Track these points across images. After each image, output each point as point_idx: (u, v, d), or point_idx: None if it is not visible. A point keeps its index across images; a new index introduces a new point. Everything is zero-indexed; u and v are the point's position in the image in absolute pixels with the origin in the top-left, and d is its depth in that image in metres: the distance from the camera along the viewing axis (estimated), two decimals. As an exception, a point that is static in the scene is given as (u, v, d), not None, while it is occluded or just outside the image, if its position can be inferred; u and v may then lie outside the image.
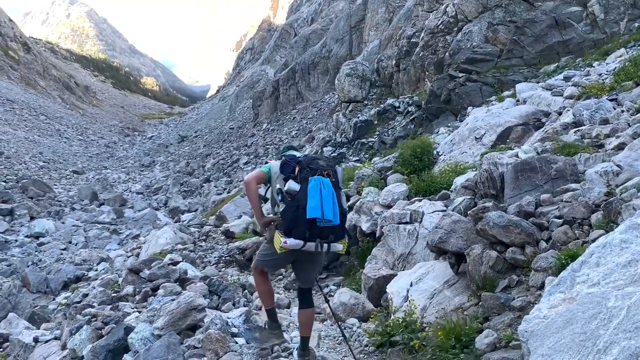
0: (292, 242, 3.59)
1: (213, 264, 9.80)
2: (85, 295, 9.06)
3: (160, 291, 6.60)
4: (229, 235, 12.24)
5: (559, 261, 3.90)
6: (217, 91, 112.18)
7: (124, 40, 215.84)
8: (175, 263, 8.38)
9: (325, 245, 3.65)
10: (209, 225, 14.70)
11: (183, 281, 7.02)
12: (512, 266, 4.54)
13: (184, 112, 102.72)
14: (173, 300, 5.20)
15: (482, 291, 4.41)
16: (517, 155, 7.05)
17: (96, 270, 14.70)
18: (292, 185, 3.66)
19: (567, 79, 12.65)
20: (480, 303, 4.29)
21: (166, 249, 11.70)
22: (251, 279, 8.10)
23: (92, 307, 7.06)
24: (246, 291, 7.16)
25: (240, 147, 46.68)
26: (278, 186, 3.81)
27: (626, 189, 4.67)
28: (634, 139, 6.11)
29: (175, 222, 24.52)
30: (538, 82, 13.75)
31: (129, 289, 7.53)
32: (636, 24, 15.41)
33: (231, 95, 76.54)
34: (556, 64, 15.34)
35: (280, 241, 3.61)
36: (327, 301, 4.57)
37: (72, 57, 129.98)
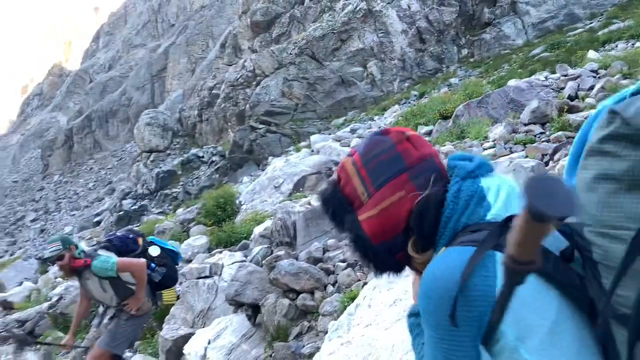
0: None
1: (-17, 344, 8.36)
2: None
3: None
4: (7, 306, 10.65)
5: (342, 304, 4.15)
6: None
7: None
8: None
9: None
10: (-18, 296, 12.63)
11: (-63, 370, 5.84)
12: (303, 312, 4.70)
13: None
14: None
15: (276, 341, 4.48)
16: (309, 203, 7.47)
17: None
18: None
19: (353, 131, 14.01)
20: (273, 354, 4.35)
21: None
22: (31, 356, 7.09)
23: None
24: (22, 372, 6.23)
25: (27, 202, 41.61)
26: None
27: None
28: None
29: (-61, 295, 20.56)
30: (330, 134, 14.96)
31: None
32: (406, 84, 17.85)
33: (15, 145, 68.31)
34: (344, 118, 16.92)
35: None
36: None
37: None
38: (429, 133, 10.16)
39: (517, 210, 0.69)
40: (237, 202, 11.95)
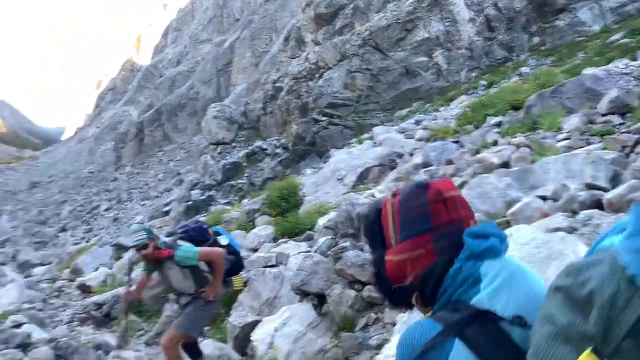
0: None
1: (65, 323, 8.94)
2: None
3: (-3, 361, 5.84)
4: (85, 290, 11.31)
5: (410, 297, 4.09)
6: (75, 133, 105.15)
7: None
8: (19, 325, 7.50)
9: None
10: (63, 279, 13.49)
11: (26, 346, 6.28)
12: (369, 304, 4.69)
13: (36, 156, 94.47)
14: (9, 371, 4.61)
15: (342, 331, 4.49)
16: (373, 195, 7.43)
17: None
18: None
19: (417, 122, 13.79)
20: (340, 344, 4.36)
21: (10, 309, 10.45)
22: (108, 337, 7.49)
23: None
24: (101, 351, 6.58)
25: (101, 192, 43.84)
26: None
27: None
28: (473, 178, 6.75)
29: (25, 277, 22.08)
30: (393, 126, 14.80)
31: (-42, 361, 6.56)
32: (474, 74, 17.35)
33: (91, 137, 72.10)
34: (408, 109, 16.67)
35: None
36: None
37: None
38: (498, 124, 9.84)
39: (503, 301, 0.95)
40: (300, 193, 12.06)
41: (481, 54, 17.72)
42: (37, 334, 7.02)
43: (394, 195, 1.17)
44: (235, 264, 4.80)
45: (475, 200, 5.90)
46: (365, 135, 15.04)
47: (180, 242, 4.39)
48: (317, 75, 19.85)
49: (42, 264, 26.65)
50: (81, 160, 64.26)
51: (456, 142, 10.01)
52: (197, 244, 4.40)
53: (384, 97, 17.66)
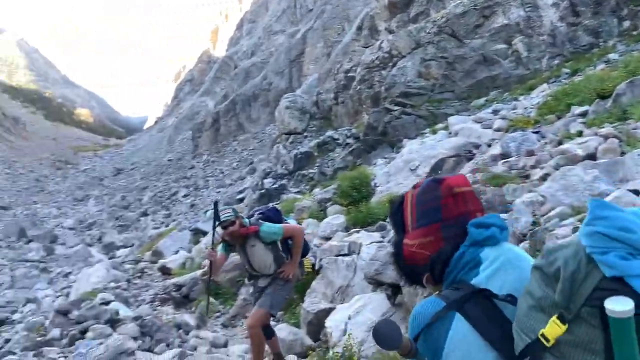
0: None
1: (147, 303, 9.43)
2: (7, 340, 8.51)
3: (89, 334, 6.28)
4: (165, 272, 11.88)
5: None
6: (156, 122, 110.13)
7: (57, 71, 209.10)
8: (107, 303, 8.02)
9: None
10: (145, 261, 14.23)
11: (114, 322, 6.71)
12: (445, 296, 4.61)
13: (121, 144, 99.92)
14: (101, 344, 4.94)
15: (417, 322, 4.45)
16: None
17: (21, 312, 13.84)
18: None
19: (495, 112, 13.31)
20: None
21: (98, 287, 11.17)
22: (187, 317, 7.84)
23: (14, 354, 6.62)
24: (181, 331, 6.90)
25: (179, 179, 45.75)
26: None
27: (550, 219, 4.89)
28: (556, 170, 6.45)
29: (110, 258, 23.50)
30: (469, 115, 14.37)
31: (55, 332, 7.11)
32: (556, 61, 16.49)
33: (170, 127, 75.29)
34: (485, 98, 16.11)
35: None
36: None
37: (0, 88, 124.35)
38: (584, 114, 9.31)
39: (499, 282, 1.13)
40: (372, 183, 12.01)
41: (564, 40, 16.80)
42: (123, 311, 7.47)
43: (414, 187, 1.37)
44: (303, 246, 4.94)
45: (558, 193, 5.64)
46: (440, 125, 14.71)
47: (261, 221, 4.58)
48: (390, 64, 19.61)
49: (124, 246, 28.28)
50: (161, 148, 67.32)
51: (537, 132, 9.58)
52: (274, 223, 4.57)
53: (460, 86, 17.16)
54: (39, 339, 7.34)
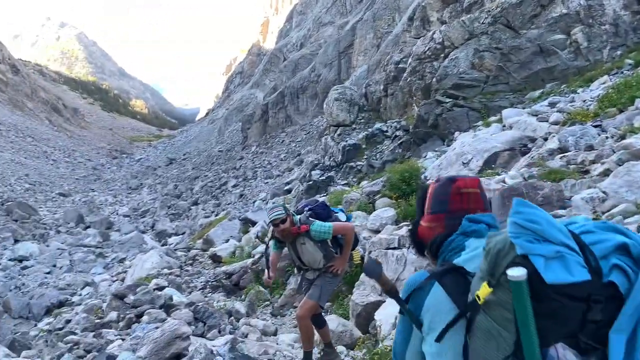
0: None
1: (199, 289, 9.68)
2: (68, 321, 8.88)
3: (145, 318, 6.49)
4: (216, 260, 12.14)
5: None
6: (207, 114, 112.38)
7: (114, 63, 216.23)
8: (161, 288, 8.26)
9: None
10: (196, 249, 14.58)
11: (168, 307, 6.91)
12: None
13: (173, 135, 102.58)
14: (157, 327, 5.10)
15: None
16: (504, 181, 7.09)
17: (80, 295, 14.45)
18: None
19: (552, 105, 12.84)
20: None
21: (152, 273, 11.55)
22: (238, 305, 7.99)
23: (75, 334, 6.92)
24: (232, 318, 7.04)
25: (229, 170, 46.58)
26: None
27: (612, 216, 4.70)
28: (619, 165, 6.18)
29: (162, 245, 24.23)
30: (524, 108, 13.93)
31: (112, 315, 7.39)
32: (618, 52, 15.74)
33: (220, 118, 76.69)
34: (541, 90, 15.57)
35: None
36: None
37: (61, 80, 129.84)
38: (649, 107, 8.86)
39: (475, 264, 1.38)
40: (422, 177, 11.86)
41: (628, 30, 15.99)
42: (177, 297, 7.69)
43: (437, 181, 1.71)
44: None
45: (622, 190, 5.42)
46: (493, 118, 14.34)
47: (310, 219, 4.59)
48: (442, 55, 19.23)
49: (176, 234, 29.08)
50: (212, 139, 68.72)
51: (597, 126, 9.20)
52: (322, 220, 4.57)
53: (515, 78, 16.64)
54: (97, 320, 7.67)
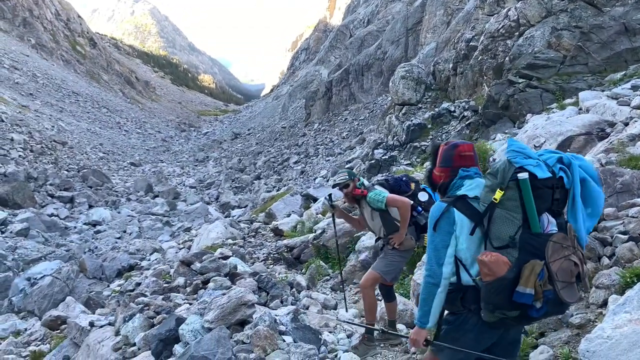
0: None
1: (261, 261, 9.90)
2: (138, 284, 9.34)
3: (211, 284, 6.73)
4: (278, 233, 12.35)
5: (623, 279, 3.71)
6: (271, 90, 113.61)
7: (184, 38, 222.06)
8: (226, 257, 8.50)
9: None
10: (259, 222, 14.88)
11: (233, 276, 7.12)
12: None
13: (239, 110, 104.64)
14: (224, 294, 5.28)
15: (538, 305, 4.26)
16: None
17: (149, 260, 15.20)
18: None
19: (635, 88, 12.05)
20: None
21: (217, 243, 11.93)
22: (299, 278, 8.14)
23: (145, 296, 7.27)
24: (294, 290, 7.19)
25: (291, 146, 47.07)
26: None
27: (700, 207, 4.39)
28: None
29: (226, 217, 24.99)
30: (603, 91, 13.16)
31: (180, 280, 7.71)
32: None
33: (285, 95, 77.34)
34: (623, 72, 14.63)
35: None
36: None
37: (134, 53, 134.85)
38: None
39: (473, 193, 2.65)
40: (491, 159, 11.50)
41: None
42: (241, 266, 7.91)
43: (445, 144, 2.83)
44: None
45: None
46: (569, 100, 13.65)
47: (377, 187, 4.68)
48: (516, 33, 18.42)
49: (239, 207, 29.88)
50: (275, 115, 69.54)
51: (686, 111, 8.57)
52: (394, 192, 4.57)
53: (595, 59, 15.71)
54: (165, 285, 8.02)
